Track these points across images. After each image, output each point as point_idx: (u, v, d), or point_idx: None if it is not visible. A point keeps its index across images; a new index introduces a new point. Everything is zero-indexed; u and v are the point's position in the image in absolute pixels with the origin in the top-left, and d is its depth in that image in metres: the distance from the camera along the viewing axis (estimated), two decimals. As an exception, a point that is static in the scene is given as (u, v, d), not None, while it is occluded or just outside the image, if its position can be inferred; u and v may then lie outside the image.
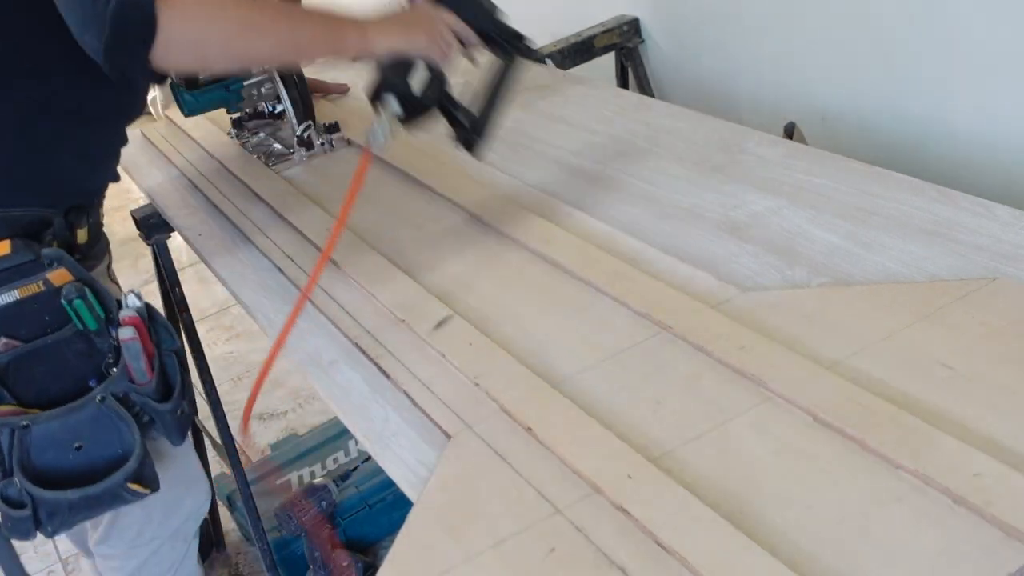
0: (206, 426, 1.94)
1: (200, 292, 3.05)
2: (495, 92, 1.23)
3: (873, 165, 1.25)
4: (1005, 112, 1.50)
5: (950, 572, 0.70)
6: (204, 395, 1.77)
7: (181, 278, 1.67)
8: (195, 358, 1.72)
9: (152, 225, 1.64)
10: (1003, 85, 1.48)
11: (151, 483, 1.25)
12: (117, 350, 1.22)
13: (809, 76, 1.80)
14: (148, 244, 1.65)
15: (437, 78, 1.15)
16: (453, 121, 1.20)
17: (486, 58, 1.25)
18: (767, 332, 0.96)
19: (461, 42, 1.20)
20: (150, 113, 4.64)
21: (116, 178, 1.36)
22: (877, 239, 1.09)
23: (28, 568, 2.16)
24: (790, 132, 1.70)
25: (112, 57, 0.95)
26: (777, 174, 1.27)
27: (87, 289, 1.19)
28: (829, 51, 1.74)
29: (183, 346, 1.83)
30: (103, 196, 1.36)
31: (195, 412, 1.35)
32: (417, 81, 1.13)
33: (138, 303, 1.20)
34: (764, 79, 1.90)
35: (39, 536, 1.48)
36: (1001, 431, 0.80)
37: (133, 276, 3.29)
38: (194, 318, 1.69)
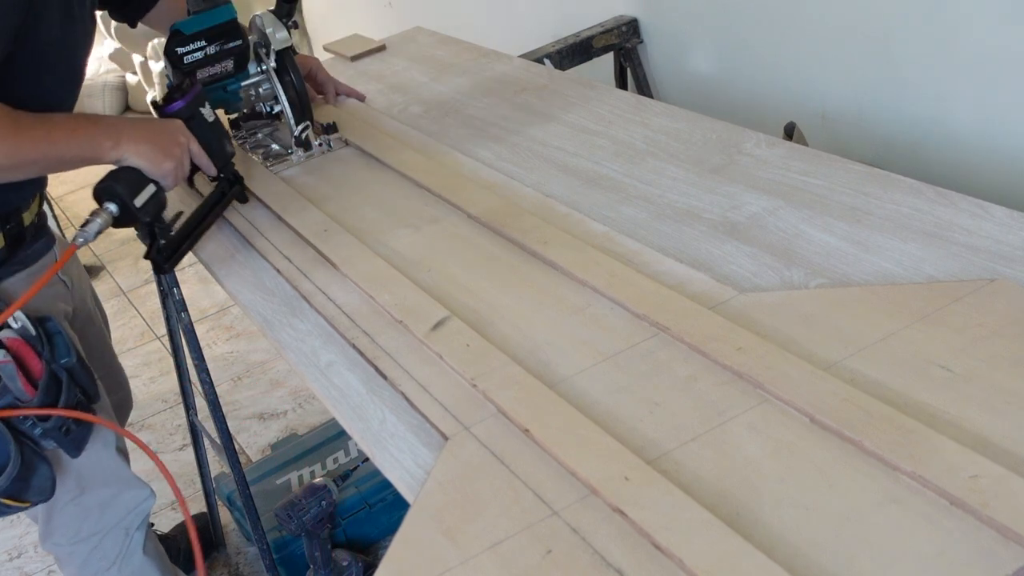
0: (205, 426, 1.94)
1: (200, 292, 3.05)
2: (200, 221, 1.40)
3: (873, 164, 1.25)
4: (1004, 112, 1.50)
5: (947, 574, 0.70)
6: (203, 395, 1.77)
7: (181, 278, 1.67)
8: (194, 358, 1.72)
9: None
10: (1002, 85, 1.48)
11: (37, 493, 1.26)
12: None
13: (809, 76, 1.80)
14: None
15: (159, 199, 1.28)
16: (152, 237, 1.32)
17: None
18: (765, 333, 0.96)
19: (194, 169, 1.35)
20: (150, 113, 4.65)
21: (43, 184, 1.40)
22: (875, 240, 1.09)
23: (28, 568, 2.18)
24: (790, 132, 1.70)
25: None
26: (775, 175, 1.26)
27: None
28: (829, 51, 1.74)
29: (183, 346, 1.83)
30: (31, 201, 1.38)
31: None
32: (142, 196, 1.24)
33: (16, 325, 1.22)
34: (764, 79, 1.90)
35: (38, 536, 1.50)
36: (999, 433, 0.80)
37: (133, 276, 3.30)
38: (194, 318, 1.69)
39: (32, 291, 1.15)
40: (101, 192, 1.22)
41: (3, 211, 1.31)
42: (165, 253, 1.34)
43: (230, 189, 1.44)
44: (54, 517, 1.47)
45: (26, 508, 1.27)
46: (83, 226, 1.20)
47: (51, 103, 1.31)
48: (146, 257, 1.34)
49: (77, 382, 1.27)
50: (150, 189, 1.24)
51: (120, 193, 1.21)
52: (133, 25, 1.58)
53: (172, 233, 1.35)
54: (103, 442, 1.45)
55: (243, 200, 1.46)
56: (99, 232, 1.22)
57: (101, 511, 1.50)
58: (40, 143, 1.18)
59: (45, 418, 1.24)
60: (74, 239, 1.20)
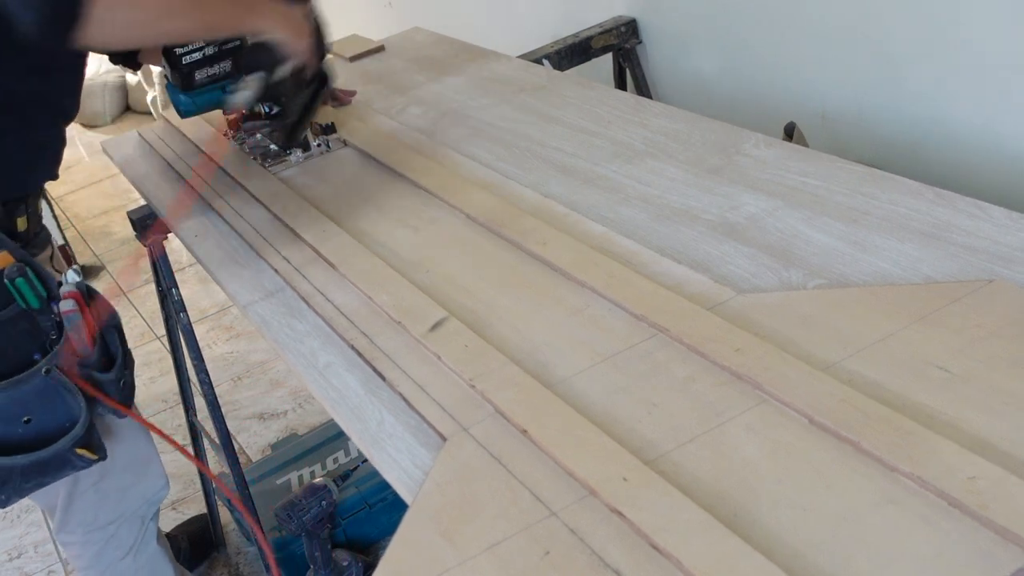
0: (204, 426, 1.94)
1: (200, 292, 3.06)
2: (308, 110, 1.49)
3: (872, 164, 1.25)
4: (1004, 112, 1.50)
5: (945, 575, 0.70)
6: (203, 395, 1.77)
7: (181, 278, 1.68)
8: (193, 359, 1.73)
9: (148, 226, 1.64)
10: (1002, 85, 1.48)
11: (99, 449, 1.29)
12: (59, 327, 1.26)
13: (809, 76, 1.80)
14: (145, 245, 1.65)
15: (296, 80, 1.33)
16: (280, 116, 1.43)
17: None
18: (763, 334, 0.96)
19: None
20: (150, 113, 4.65)
21: (55, 176, 1.42)
22: (873, 241, 1.09)
23: (28, 568, 2.18)
24: (790, 132, 1.70)
25: (47, 33, 1.07)
26: (773, 175, 1.26)
27: (28, 269, 1.23)
28: (829, 51, 1.74)
29: (181, 347, 1.83)
30: (41, 190, 1.41)
31: (132, 396, 1.37)
32: (280, 71, 1.31)
33: (77, 279, 1.24)
34: (764, 79, 1.89)
35: (40, 536, 1.50)
36: (997, 434, 0.80)
37: (133, 276, 3.29)
38: (194, 318, 1.70)
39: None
40: (248, 64, 1.27)
41: (22, 193, 1.34)
42: (287, 131, 1.43)
43: (322, 89, 1.49)
44: (74, 502, 1.48)
45: (95, 462, 1.29)
46: (236, 92, 1.24)
47: (57, 99, 1.33)
48: (271, 133, 1.43)
49: (122, 342, 1.32)
50: (287, 67, 1.29)
51: (266, 62, 1.27)
52: (136, 69, 1.60)
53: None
54: (129, 420, 1.46)
55: (329, 99, 1.57)
56: (255, 99, 1.28)
57: (119, 498, 1.52)
58: (195, 1, 1.20)
59: (106, 369, 1.28)
60: (231, 103, 1.25)
